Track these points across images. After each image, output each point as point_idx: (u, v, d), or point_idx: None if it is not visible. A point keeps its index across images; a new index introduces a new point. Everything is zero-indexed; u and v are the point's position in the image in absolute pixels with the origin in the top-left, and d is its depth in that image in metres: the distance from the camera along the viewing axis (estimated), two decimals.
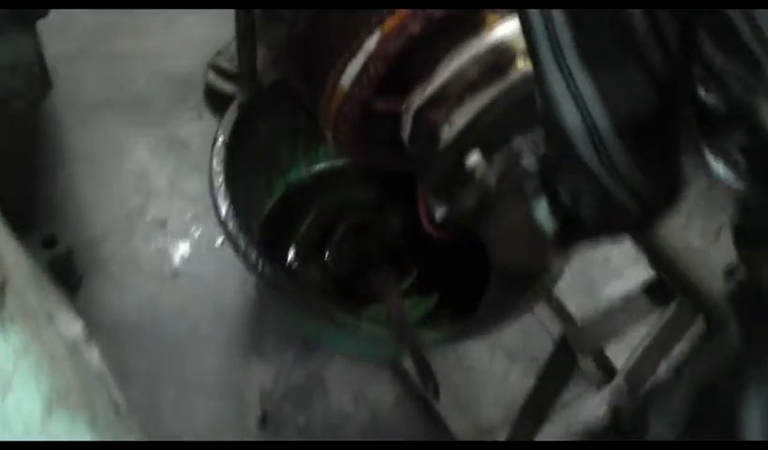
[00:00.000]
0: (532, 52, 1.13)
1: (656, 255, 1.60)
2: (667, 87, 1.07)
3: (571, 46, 1.06)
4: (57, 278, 2.26)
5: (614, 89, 1.07)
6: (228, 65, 2.78)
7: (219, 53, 2.83)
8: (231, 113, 2.24)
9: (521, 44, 1.66)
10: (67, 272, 2.41)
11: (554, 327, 2.35)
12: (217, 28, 2.94)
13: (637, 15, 1.01)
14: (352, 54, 1.65)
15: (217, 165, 2.14)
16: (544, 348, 2.34)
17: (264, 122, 2.36)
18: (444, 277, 2.38)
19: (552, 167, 1.32)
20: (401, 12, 1.60)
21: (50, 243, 2.34)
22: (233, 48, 2.74)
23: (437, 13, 1.60)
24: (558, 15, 1.05)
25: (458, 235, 1.83)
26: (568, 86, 1.09)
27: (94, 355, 1.18)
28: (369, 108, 1.72)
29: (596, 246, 1.39)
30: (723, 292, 1.49)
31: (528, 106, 1.63)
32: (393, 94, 1.73)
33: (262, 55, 2.45)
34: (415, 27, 1.60)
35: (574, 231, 1.37)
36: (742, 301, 1.19)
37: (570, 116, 1.11)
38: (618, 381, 2.22)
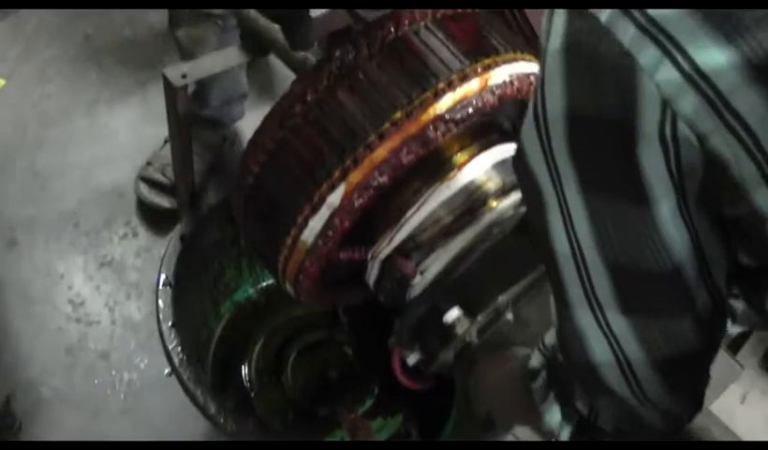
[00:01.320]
0: (558, 290, 0.97)
1: None
2: (709, 325, 0.93)
3: (609, 294, 0.91)
4: None
5: (653, 330, 0.93)
6: (160, 176, 2.56)
7: (149, 164, 2.61)
8: (173, 247, 2.03)
9: (492, 184, 1.51)
10: (6, 421, 2.16)
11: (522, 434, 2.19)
12: (144, 132, 2.75)
13: (688, 264, 0.85)
14: (314, 209, 1.46)
15: (164, 307, 1.94)
16: None
17: (207, 247, 2.17)
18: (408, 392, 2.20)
19: (567, 377, 1.15)
20: (366, 164, 1.42)
21: None
22: (164, 156, 2.54)
23: (405, 161, 1.42)
24: (596, 263, 0.90)
25: (433, 384, 1.66)
26: (600, 325, 0.95)
27: None
28: (332, 259, 1.53)
29: None
30: None
31: (504, 252, 1.49)
32: (358, 243, 1.55)
33: (197, 166, 2.26)
34: (383, 179, 1.42)
35: (589, 436, 1.20)
36: None
37: (599, 351, 0.97)
38: None
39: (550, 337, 1.22)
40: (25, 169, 2.71)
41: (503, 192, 1.52)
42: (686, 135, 0.75)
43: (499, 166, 1.54)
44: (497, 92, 1.46)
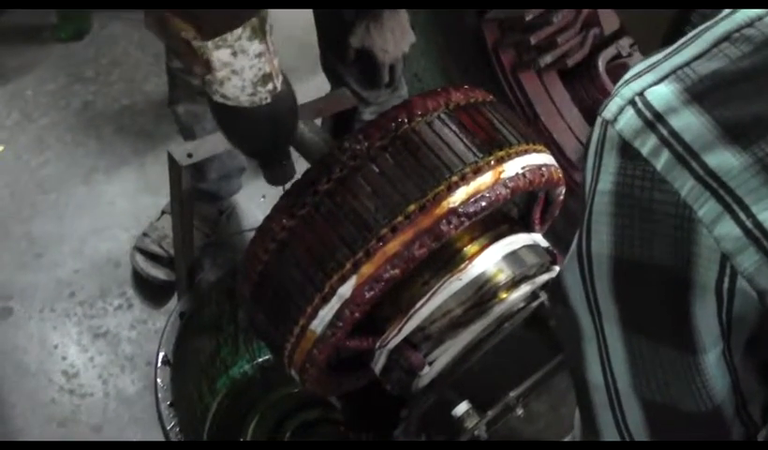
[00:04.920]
0: (588, 416, 0.95)
1: None
2: None
3: (642, 427, 0.89)
4: None
5: None
6: (157, 248, 2.52)
7: (146, 235, 2.56)
8: (172, 326, 1.98)
9: (503, 276, 1.47)
10: None
11: None
12: (141, 203, 2.70)
13: (726, 403, 0.84)
14: (324, 300, 1.42)
15: (163, 386, 1.88)
16: None
17: (205, 323, 2.12)
18: None
19: None
20: (378, 257, 1.38)
21: None
22: (160, 227, 2.50)
23: (418, 254, 1.37)
24: (630, 397, 0.87)
25: None
26: None
27: None
28: (340, 348, 1.49)
29: None
30: None
31: (515, 346, 1.45)
32: (367, 333, 1.50)
33: (194, 240, 2.21)
34: (395, 272, 1.38)
35: None
36: None
37: None
38: None
39: None
40: (21, 236, 2.66)
41: (513, 284, 1.48)
42: (745, 289, 0.73)
43: (509, 258, 1.50)
44: (510, 185, 1.43)
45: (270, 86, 1.35)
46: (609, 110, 0.80)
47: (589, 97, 2.39)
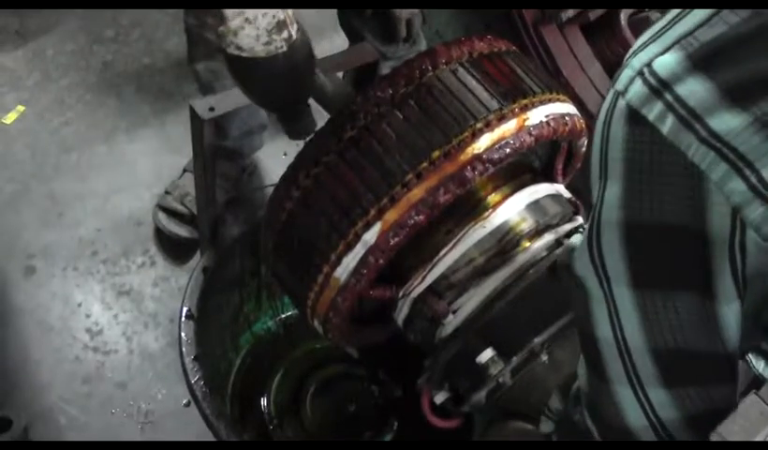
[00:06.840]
0: (595, 366, 0.99)
1: None
2: None
3: (652, 374, 0.93)
4: None
5: (694, 398, 0.95)
6: (179, 206, 2.53)
7: (168, 193, 2.58)
8: (196, 281, 2.00)
9: (525, 225, 1.49)
10: None
11: None
12: (162, 161, 2.72)
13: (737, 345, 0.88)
14: (349, 247, 1.43)
15: (187, 340, 1.91)
16: None
17: (228, 279, 2.14)
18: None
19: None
20: (402, 203, 1.39)
21: (3, 426, 2.05)
22: (182, 185, 2.52)
23: (442, 200, 1.38)
24: (641, 350, 0.91)
25: (462, 423, 1.62)
26: (638, 398, 0.96)
27: None
28: (363, 297, 1.50)
29: None
30: None
31: (538, 293, 1.46)
32: (390, 281, 1.52)
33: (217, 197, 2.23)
34: (419, 218, 1.39)
35: None
36: None
37: (635, 417, 0.98)
38: None
39: (555, 403, 1.30)
40: (43, 195, 2.69)
41: (536, 233, 1.50)
42: (755, 240, 0.77)
43: (532, 207, 1.51)
44: (534, 132, 1.43)
45: (285, 34, 1.35)
46: (620, 81, 0.84)
47: (611, 51, 2.38)
